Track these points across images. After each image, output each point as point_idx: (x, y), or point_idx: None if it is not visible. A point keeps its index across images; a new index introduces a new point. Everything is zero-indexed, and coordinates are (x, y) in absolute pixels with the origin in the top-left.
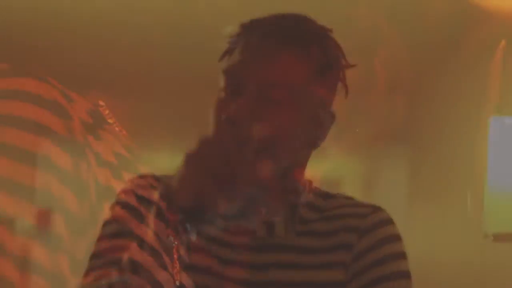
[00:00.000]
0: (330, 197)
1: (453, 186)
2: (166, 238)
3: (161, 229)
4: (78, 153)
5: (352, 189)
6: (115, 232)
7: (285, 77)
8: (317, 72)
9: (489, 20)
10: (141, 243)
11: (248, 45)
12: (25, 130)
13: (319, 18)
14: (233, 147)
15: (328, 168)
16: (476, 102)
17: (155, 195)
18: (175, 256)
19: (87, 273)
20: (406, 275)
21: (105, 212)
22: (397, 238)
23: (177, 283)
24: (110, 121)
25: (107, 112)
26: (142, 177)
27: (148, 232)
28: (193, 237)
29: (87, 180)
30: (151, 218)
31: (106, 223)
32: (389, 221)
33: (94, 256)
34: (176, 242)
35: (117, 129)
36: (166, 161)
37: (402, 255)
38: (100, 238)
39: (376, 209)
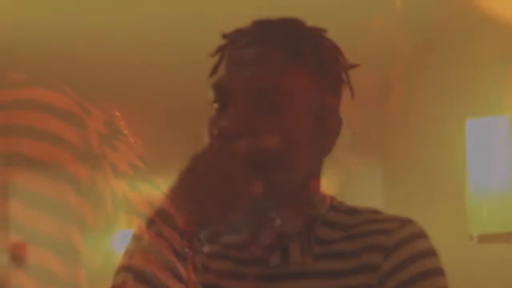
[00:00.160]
0: (354, 212)
1: (434, 189)
2: (181, 248)
3: (176, 239)
4: (94, 164)
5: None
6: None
7: (276, 82)
8: (312, 75)
9: (464, 21)
10: (157, 254)
11: (234, 54)
12: (42, 141)
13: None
14: (227, 160)
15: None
16: (452, 104)
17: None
18: (191, 267)
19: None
20: None
21: (121, 223)
22: (429, 253)
23: None
24: (125, 132)
25: (122, 123)
26: None
27: (163, 243)
28: (207, 249)
29: (104, 192)
30: (165, 228)
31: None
32: (420, 235)
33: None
34: (191, 253)
35: (132, 140)
36: None
37: (437, 272)
38: (124, 253)
39: (405, 222)
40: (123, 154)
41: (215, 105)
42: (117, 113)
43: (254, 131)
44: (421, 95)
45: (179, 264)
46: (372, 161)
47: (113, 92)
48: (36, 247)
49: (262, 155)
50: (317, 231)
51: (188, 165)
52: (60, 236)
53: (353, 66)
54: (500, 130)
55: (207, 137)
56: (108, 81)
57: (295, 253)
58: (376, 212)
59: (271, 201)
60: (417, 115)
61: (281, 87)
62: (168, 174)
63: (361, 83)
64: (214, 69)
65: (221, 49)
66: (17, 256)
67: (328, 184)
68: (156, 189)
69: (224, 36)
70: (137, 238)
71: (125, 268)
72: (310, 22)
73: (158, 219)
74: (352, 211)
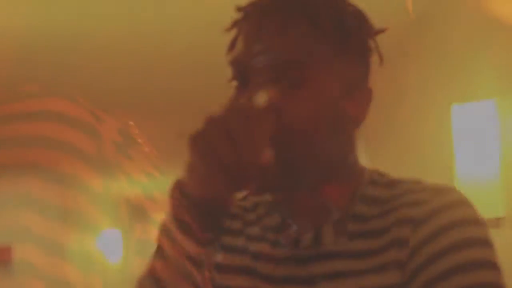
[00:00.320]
0: (395, 184)
1: (422, 176)
2: (196, 255)
3: (192, 247)
4: (108, 172)
5: None
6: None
7: (296, 54)
8: (336, 44)
9: (448, 7)
10: (172, 260)
11: (251, 28)
12: (56, 150)
13: None
14: (241, 122)
15: None
16: (437, 90)
17: (183, 211)
18: (206, 274)
19: None
20: (488, 264)
21: (107, 223)
22: (469, 221)
23: None
24: (139, 140)
25: (136, 131)
26: None
27: (178, 249)
28: (219, 257)
29: (118, 200)
30: (180, 235)
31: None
32: (458, 203)
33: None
34: (206, 260)
35: (146, 148)
36: None
37: (480, 241)
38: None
39: (440, 191)
40: (137, 162)
41: (234, 83)
42: (131, 122)
43: (277, 109)
44: (406, 82)
45: (196, 273)
46: (357, 148)
47: (127, 100)
48: (24, 247)
49: (285, 135)
50: (353, 208)
51: (201, 128)
52: (47, 235)
53: (380, 31)
54: (486, 114)
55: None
56: (121, 90)
57: (328, 233)
58: (417, 182)
59: (298, 179)
60: (403, 102)
61: (303, 60)
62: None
63: None
64: (231, 45)
65: (237, 24)
66: (2, 260)
67: None
68: (160, 188)
69: (239, 9)
70: (158, 246)
71: (147, 276)
72: None
73: (172, 226)
74: (393, 184)
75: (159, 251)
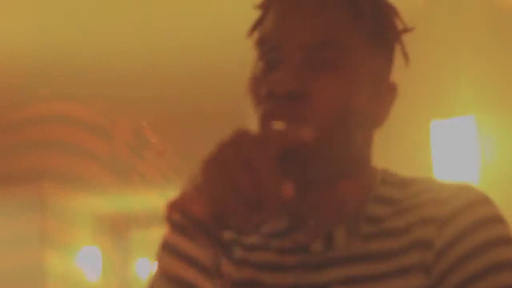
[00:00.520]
0: (408, 184)
1: None
2: (212, 268)
3: (205, 257)
4: (122, 174)
5: None
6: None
7: (333, 35)
8: (371, 33)
9: (427, 23)
10: (191, 265)
11: (283, 5)
12: (69, 154)
13: None
14: (257, 151)
15: None
16: (417, 105)
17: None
18: (224, 280)
19: None
20: None
21: (86, 240)
22: (494, 219)
23: None
24: (153, 141)
25: (149, 132)
26: None
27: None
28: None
29: (96, 217)
30: (191, 249)
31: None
32: (480, 201)
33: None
34: (224, 273)
35: (160, 149)
36: None
37: (506, 240)
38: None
39: (461, 188)
40: (151, 163)
41: (261, 63)
42: (144, 123)
43: (307, 92)
44: None
45: (208, 284)
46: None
47: (140, 102)
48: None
49: (315, 124)
50: (367, 208)
51: (214, 153)
52: (26, 253)
53: (409, 29)
54: (465, 130)
55: (252, 100)
56: (134, 91)
57: (340, 236)
58: (431, 180)
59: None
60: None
61: (338, 42)
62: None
63: None
64: (258, 23)
65: (267, 1)
66: None
67: None
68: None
69: None
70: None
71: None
72: None
73: (181, 240)
74: (405, 183)
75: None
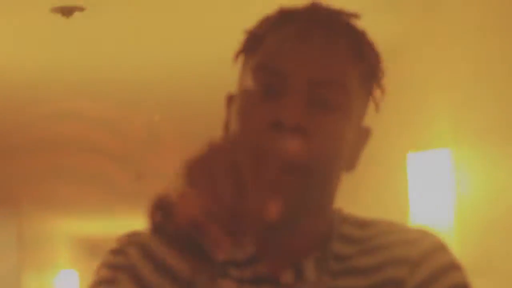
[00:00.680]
0: (368, 224)
1: None
2: (188, 274)
3: (185, 263)
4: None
5: None
6: None
7: (340, 76)
8: (365, 77)
9: (404, 56)
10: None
11: (288, 34)
12: (82, 151)
13: None
14: (247, 162)
15: None
16: (394, 137)
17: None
18: None
19: None
20: None
21: (64, 263)
22: (457, 266)
23: None
24: (166, 135)
25: (162, 126)
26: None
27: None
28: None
29: (74, 240)
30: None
31: None
32: (444, 247)
33: None
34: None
35: (173, 143)
36: None
37: (467, 285)
38: None
39: (426, 233)
40: (164, 157)
41: (255, 86)
42: (157, 117)
43: (311, 130)
44: None
45: None
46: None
47: (153, 96)
48: None
49: (300, 163)
50: (332, 246)
51: (201, 154)
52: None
53: (383, 76)
54: (440, 163)
55: (245, 129)
56: (146, 86)
57: (310, 270)
58: (390, 223)
59: (291, 217)
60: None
61: (341, 82)
62: None
63: None
64: (252, 46)
65: (268, 24)
66: None
67: None
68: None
69: (282, 11)
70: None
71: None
72: None
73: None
74: (365, 223)
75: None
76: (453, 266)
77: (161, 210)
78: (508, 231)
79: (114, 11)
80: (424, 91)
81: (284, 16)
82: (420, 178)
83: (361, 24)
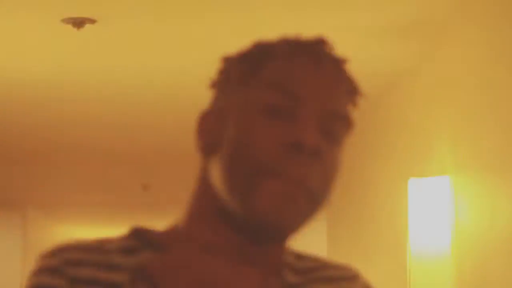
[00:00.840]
0: (301, 257)
1: (377, 251)
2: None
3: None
4: (142, 181)
5: None
6: None
7: (346, 109)
8: (352, 110)
9: (406, 84)
10: None
11: (301, 61)
12: (88, 157)
13: None
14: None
15: None
16: (396, 164)
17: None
18: None
19: None
20: None
21: None
22: None
23: None
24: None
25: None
26: (61, 250)
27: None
28: None
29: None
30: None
31: None
32: (369, 283)
33: None
34: None
35: (146, 182)
36: None
37: None
38: None
39: (354, 270)
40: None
41: (264, 107)
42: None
43: (324, 157)
44: (365, 154)
45: None
46: (316, 218)
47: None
48: None
49: (309, 186)
50: (284, 276)
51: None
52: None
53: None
54: (441, 190)
55: (255, 146)
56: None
57: None
58: (317, 257)
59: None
60: (361, 174)
61: (347, 117)
62: None
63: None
64: (257, 64)
65: (272, 49)
66: None
67: None
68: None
69: (286, 41)
70: None
71: None
72: None
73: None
74: (301, 255)
75: None
76: None
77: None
78: (505, 259)
79: (124, 24)
80: (425, 119)
81: (292, 45)
82: (420, 203)
83: (365, 53)
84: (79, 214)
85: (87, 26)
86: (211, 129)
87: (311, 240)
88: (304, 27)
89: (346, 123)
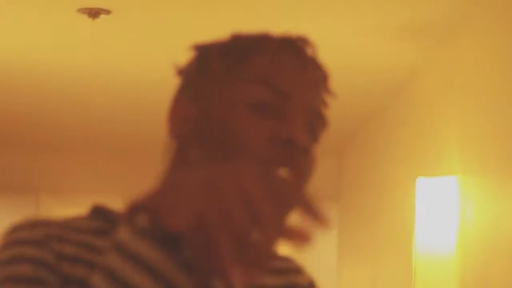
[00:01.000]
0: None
1: (383, 249)
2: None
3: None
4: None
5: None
6: None
7: (322, 107)
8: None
9: (415, 85)
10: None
11: (288, 58)
12: (103, 149)
13: None
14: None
15: None
16: (405, 163)
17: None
18: None
19: None
20: None
21: None
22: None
23: None
24: None
25: None
26: (40, 224)
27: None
28: None
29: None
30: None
31: None
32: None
33: None
34: None
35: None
36: None
37: None
38: None
39: (297, 262)
40: None
41: (254, 103)
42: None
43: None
44: (373, 153)
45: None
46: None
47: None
48: None
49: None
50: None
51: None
52: None
53: None
54: (448, 190)
55: (245, 141)
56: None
57: None
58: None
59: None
60: (370, 172)
61: (325, 116)
62: None
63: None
64: (238, 57)
65: (256, 43)
66: None
67: None
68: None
69: (267, 36)
70: None
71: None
72: None
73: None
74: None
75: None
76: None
77: (147, 213)
78: (511, 259)
79: (139, 15)
80: (434, 119)
81: (279, 41)
82: (427, 203)
83: (375, 54)
84: (91, 201)
85: (102, 16)
86: (190, 118)
87: (320, 237)
88: (314, 27)
89: (324, 122)
